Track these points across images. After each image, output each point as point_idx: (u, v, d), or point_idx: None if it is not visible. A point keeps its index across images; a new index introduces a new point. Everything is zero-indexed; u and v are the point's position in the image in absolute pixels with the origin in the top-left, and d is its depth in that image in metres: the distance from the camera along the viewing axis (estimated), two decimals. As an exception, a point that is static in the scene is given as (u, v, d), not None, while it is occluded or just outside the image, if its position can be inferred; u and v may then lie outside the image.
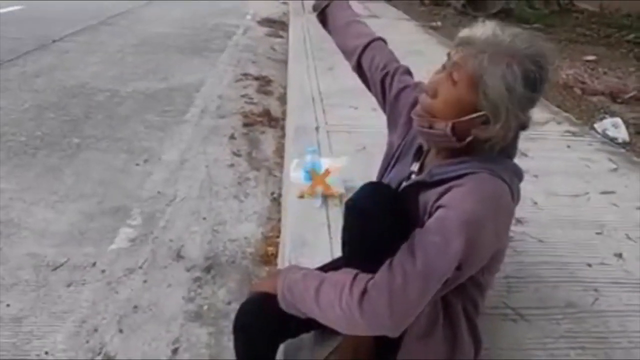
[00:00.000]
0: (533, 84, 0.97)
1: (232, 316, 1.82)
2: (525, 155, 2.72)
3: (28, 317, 1.77)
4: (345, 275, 0.99)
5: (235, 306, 1.85)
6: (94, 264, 2.06)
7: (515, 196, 1.06)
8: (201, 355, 1.66)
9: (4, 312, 1.79)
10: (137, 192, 2.63)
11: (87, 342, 1.68)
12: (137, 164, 2.92)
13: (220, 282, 2.01)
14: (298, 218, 1.98)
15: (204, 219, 2.43)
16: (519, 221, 2.02)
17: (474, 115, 0.99)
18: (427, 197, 1.03)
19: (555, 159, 2.68)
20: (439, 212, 0.97)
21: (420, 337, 1.09)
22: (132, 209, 2.47)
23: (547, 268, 1.72)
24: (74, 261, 2.07)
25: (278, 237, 2.31)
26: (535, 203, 2.19)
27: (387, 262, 0.95)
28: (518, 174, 1.10)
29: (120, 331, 1.73)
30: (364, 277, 0.96)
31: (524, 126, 1.05)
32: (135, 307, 1.85)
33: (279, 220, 2.44)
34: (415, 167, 1.19)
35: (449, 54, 1.03)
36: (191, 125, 3.56)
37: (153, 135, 3.33)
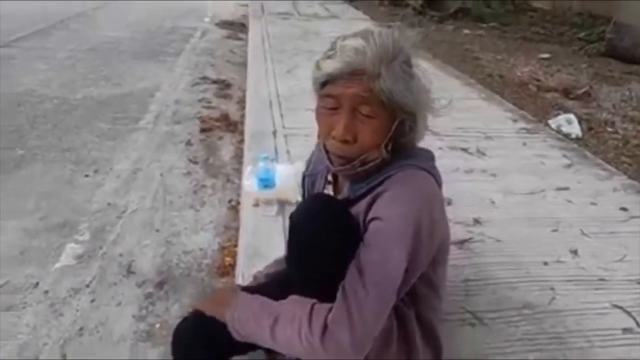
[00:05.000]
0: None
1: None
2: (483, 154, 2.74)
3: (-39, 346, 1.63)
4: (300, 308, 0.95)
5: (189, 323, 1.78)
6: (36, 285, 1.93)
7: (438, 180, 1.06)
8: (152, 378, 1.57)
9: None
10: (85, 205, 2.49)
11: (27, 370, 1.57)
12: (87, 175, 2.78)
13: (173, 298, 1.92)
14: (253, 227, 1.91)
15: (157, 230, 2.32)
16: (476, 221, 2.01)
17: (394, 126, 0.99)
18: (357, 210, 1.01)
19: (511, 157, 2.71)
20: (372, 225, 0.95)
21: (376, 354, 1.05)
22: (80, 223, 2.33)
23: (504, 268, 1.72)
24: (14, 283, 1.93)
25: (236, 246, 2.22)
26: (493, 202, 2.20)
27: (340, 289, 0.93)
28: (431, 157, 1.09)
29: (64, 357, 1.62)
30: (320, 310, 0.93)
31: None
32: (81, 329, 1.73)
33: (237, 229, 2.36)
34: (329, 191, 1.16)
35: (330, 95, 0.97)
36: (145, 132, 3.42)
37: (104, 145, 3.18)
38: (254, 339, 1.02)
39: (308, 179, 1.23)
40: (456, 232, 1.92)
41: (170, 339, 1.70)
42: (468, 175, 2.43)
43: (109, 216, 2.41)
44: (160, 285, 1.98)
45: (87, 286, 1.94)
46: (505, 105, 3.67)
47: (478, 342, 1.37)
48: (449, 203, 2.13)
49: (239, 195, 2.69)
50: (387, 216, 0.93)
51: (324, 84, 0.98)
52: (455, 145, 2.79)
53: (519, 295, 1.58)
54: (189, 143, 3.30)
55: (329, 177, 1.15)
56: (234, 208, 2.58)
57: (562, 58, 5.69)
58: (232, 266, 2.11)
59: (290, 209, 2.01)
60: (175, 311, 1.85)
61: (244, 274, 1.61)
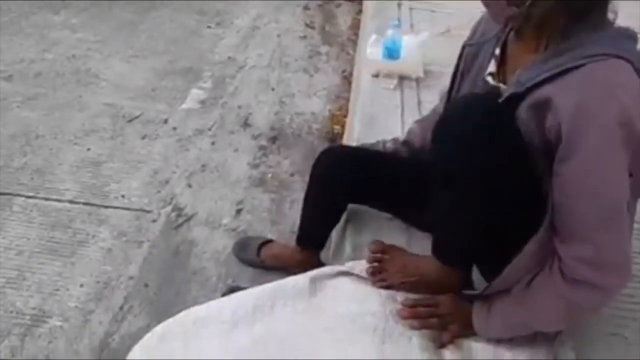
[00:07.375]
0: None
1: (295, 187, 1.88)
2: None
3: (106, 162, 1.88)
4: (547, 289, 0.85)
5: (298, 178, 1.90)
6: (165, 121, 2.11)
7: (636, 65, 0.80)
8: (263, 219, 1.73)
9: (85, 155, 1.91)
10: (207, 54, 2.59)
11: (159, 191, 1.78)
12: (209, 26, 2.85)
13: (284, 154, 2.03)
14: (370, 97, 1.89)
15: (273, 89, 2.39)
16: None
17: None
18: (529, 114, 0.83)
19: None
20: (568, 134, 0.78)
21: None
22: (203, 71, 2.46)
23: None
24: (147, 116, 2.13)
25: (346, 116, 2.25)
26: None
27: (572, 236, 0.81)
28: (625, 36, 0.83)
29: (189, 186, 1.82)
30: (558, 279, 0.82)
31: None
32: (204, 165, 1.91)
33: (348, 99, 2.36)
34: (492, 68, 0.96)
35: None
36: (264, -10, 3.37)
37: (225, -2, 3.20)
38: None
39: (469, 49, 1.03)
40: None
41: (280, 190, 1.86)
42: None
43: (229, 69, 2.50)
44: (273, 140, 2.09)
45: (209, 129, 2.09)
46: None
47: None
48: None
49: (352, 66, 2.65)
50: (589, 118, 0.76)
51: None
52: None
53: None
54: (306, 7, 3.21)
55: (497, 51, 0.96)
56: (347, 79, 2.56)
57: None
58: (341, 135, 2.16)
59: (410, 84, 1.95)
60: (285, 166, 1.97)
61: (359, 140, 1.63)
